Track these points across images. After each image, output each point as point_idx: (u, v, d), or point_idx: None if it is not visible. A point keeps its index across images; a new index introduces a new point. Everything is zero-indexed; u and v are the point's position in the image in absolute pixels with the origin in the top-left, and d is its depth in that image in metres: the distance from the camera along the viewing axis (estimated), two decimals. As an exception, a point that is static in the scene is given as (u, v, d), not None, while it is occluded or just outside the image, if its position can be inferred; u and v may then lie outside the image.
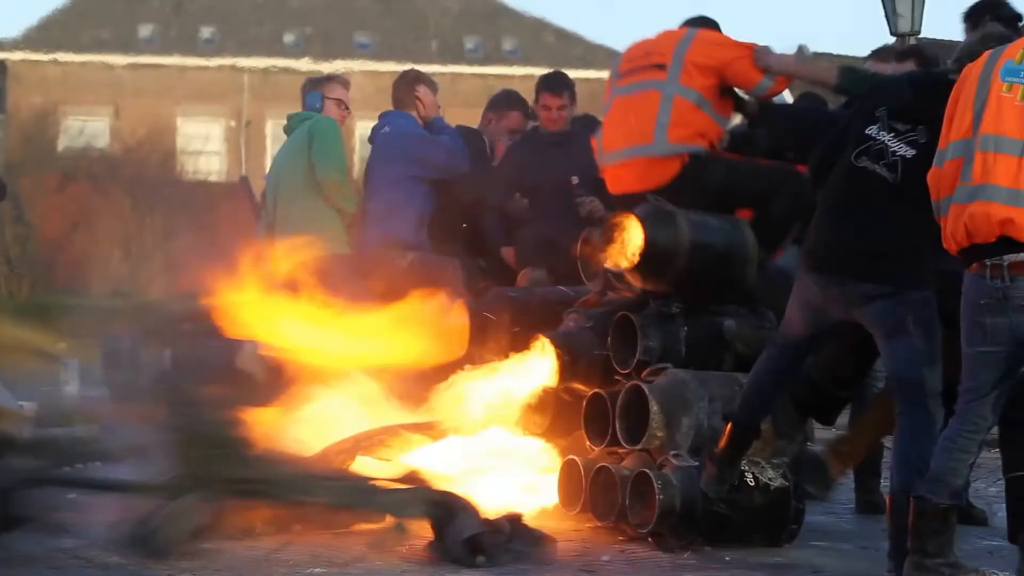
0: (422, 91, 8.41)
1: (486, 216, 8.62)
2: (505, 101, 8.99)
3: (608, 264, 6.61)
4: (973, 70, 5.27)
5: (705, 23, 7.14)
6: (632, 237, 6.51)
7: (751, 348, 6.49)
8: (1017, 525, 5.50)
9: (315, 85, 8.59)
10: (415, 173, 8.24)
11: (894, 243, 5.57)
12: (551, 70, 9.13)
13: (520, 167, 8.59)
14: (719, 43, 6.92)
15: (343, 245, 8.24)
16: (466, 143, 8.57)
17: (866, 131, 5.70)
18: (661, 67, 6.79)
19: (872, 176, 5.65)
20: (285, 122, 8.73)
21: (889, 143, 5.63)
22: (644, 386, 6.39)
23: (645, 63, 6.86)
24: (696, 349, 6.61)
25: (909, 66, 7.41)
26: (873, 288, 5.58)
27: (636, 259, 6.49)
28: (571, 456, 6.79)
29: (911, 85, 5.78)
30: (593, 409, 6.71)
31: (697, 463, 6.18)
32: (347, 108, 8.56)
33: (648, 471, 6.24)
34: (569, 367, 6.81)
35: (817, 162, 5.98)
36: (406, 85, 8.50)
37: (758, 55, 6.83)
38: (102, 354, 15.72)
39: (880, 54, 7.79)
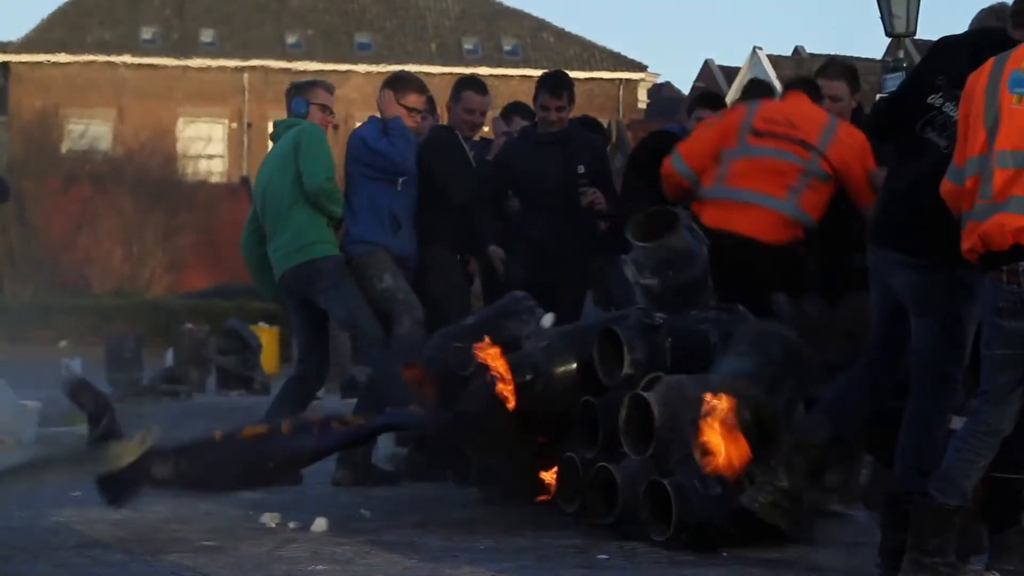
0: (383, 94, 8.39)
1: (477, 212, 8.57)
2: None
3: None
4: (979, 82, 5.21)
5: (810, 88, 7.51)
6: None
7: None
8: (995, 524, 5.54)
9: (299, 91, 8.51)
10: (365, 173, 8.28)
11: (937, 215, 5.45)
12: (549, 71, 9.14)
13: (515, 165, 8.60)
14: (852, 150, 7.19)
15: (334, 248, 8.24)
16: (441, 142, 8.51)
17: (928, 100, 5.62)
18: (806, 147, 7.04)
19: (930, 146, 5.60)
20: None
21: (951, 113, 5.54)
22: (646, 395, 6.38)
23: (789, 134, 7.10)
24: (682, 359, 6.62)
25: (841, 85, 7.60)
26: (906, 258, 5.57)
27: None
28: (569, 454, 6.83)
29: (968, 49, 5.59)
30: (583, 416, 6.76)
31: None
32: (332, 113, 8.52)
33: (664, 481, 6.17)
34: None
35: (883, 122, 5.94)
36: (379, 90, 8.53)
37: (872, 179, 7.05)
38: (105, 353, 15.82)
39: (828, 72, 7.83)
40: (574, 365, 6.74)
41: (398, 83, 8.32)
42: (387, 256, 8.16)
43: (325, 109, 8.43)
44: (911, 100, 5.72)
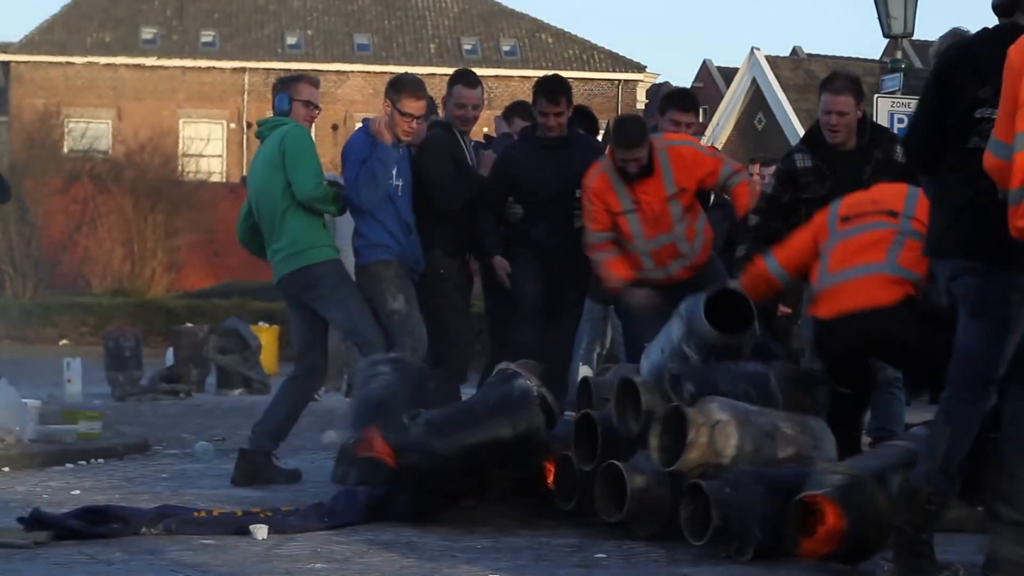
0: (384, 100, 8.34)
1: (479, 218, 8.55)
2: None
3: None
4: (1017, 57, 5.11)
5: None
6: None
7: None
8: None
9: (283, 87, 8.42)
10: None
11: (1002, 221, 5.29)
12: (547, 71, 9.15)
13: (516, 170, 8.59)
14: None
15: (331, 252, 8.21)
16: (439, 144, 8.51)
17: (975, 115, 5.51)
18: (893, 214, 7.01)
19: (980, 154, 5.47)
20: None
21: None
22: (682, 406, 6.35)
23: (873, 209, 7.08)
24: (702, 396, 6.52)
25: (848, 99, 7.64)
26: (970, 263, 5.49)
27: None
28: (566, 452, 6.86)
29: (1000, 48, 5.40)
30: (579, 432, 6.79)
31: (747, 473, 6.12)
32: (316, 108, 8.43)
33: (700, 483, 6.08)
34: None
35: (926, 145, 5.79)
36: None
37: None
38: (104, 352, 15.83)
39: (834, 87, 7.84)
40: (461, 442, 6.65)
41: (394, 87, 8.26)
42: (402, 269, 8.15)
43: (309, 105, 8.34)
44: (956, 118, 5.57)
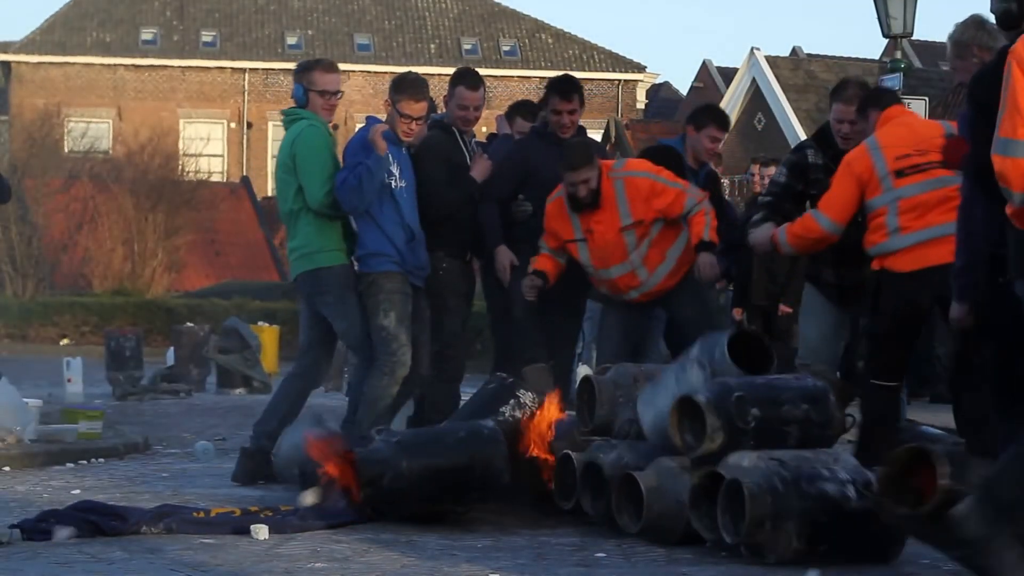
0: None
1: (484, 210, 8.53)
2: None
3: None
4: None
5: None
6: None
7: None
8: None
9: (298, 75, 8.27)
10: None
11: None
12: (547, 71, 9.14)
13: (528, 165, 8.58)
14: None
15: (341, 256, 8.16)
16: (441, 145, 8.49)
17: None
18: (942, 164, 7.02)
19: None
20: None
21: None
22: (696, 397, 6.27)
23: (924, 161, 7.14)
24: (765, 431, 6.30)
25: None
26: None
27: None
28: (566, 451, 6.87)
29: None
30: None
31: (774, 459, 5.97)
32: (334, 94, 8.20)
33: (740, 480, 5.91)
34: None
35: (983, 172, 5.76)
36: None
37: None
38: (105, 351, 15.85)
39: (845, 96, 7.86)
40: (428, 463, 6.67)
41: (395, 88, 8.18)
42: (405, 284, 8.05)
43: (324, 94, 8.15)
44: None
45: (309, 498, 6.80)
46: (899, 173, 7.18)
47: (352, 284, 8.15)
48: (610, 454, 6.59)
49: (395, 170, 8.04)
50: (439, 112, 9.05)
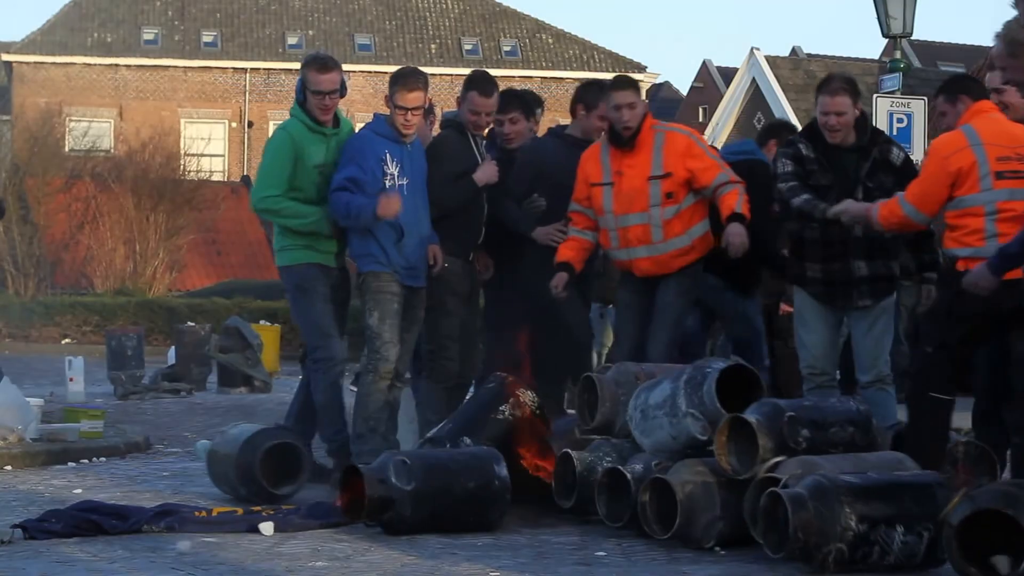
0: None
1: (505, 206, 8.43)
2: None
3: None
4: None
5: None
6: None
7: None
8: None
9: (301, 71, 8.14)
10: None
11: None
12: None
13: (544, 164, 8.55)
14: None
15: (298, 255, 8.05)
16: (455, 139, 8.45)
17: None
18: None
19: None
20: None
21: None
22: (747, 417, 6.27)
23: (1022, 168, 7.01)
24: (811, 450, 6.35)
25: (845, 100, 7.61)
26: None
27: None
28: (565, 450, 6.89)
29: None
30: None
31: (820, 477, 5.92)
32: (330, 94, 8.00)
33: (777, 491, 5.83)
34: None
35: None
36: None
37: None
38: (107, 351, 15.86)
39: (830, 88, 7.83)
40: None
41: (391, 81, 8.06)
42: (392, 283, 7.95)
43: (317, 94, 8.01)
44: None
45: (267, 529, 6.70)
46: (999, 175, 6.99)
47: (311, 284, 8.05)
48: (636, 464, 6.56)
49: (393, 169, 7.95)
50: (435, 114, 9.01)
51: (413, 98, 7.93)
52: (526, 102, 8.82)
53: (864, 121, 7.89)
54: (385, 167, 7.93)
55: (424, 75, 8.19)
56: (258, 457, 7.37)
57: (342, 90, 8.08)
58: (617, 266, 8.40)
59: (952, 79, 7.64)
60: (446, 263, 8.23)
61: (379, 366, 7.90)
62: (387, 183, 7.91)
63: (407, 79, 7.98)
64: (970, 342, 6.93)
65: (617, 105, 8.07)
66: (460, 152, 8.36)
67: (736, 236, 7.92)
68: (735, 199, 8.03)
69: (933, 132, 14.74)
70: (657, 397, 6.69)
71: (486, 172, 8.33)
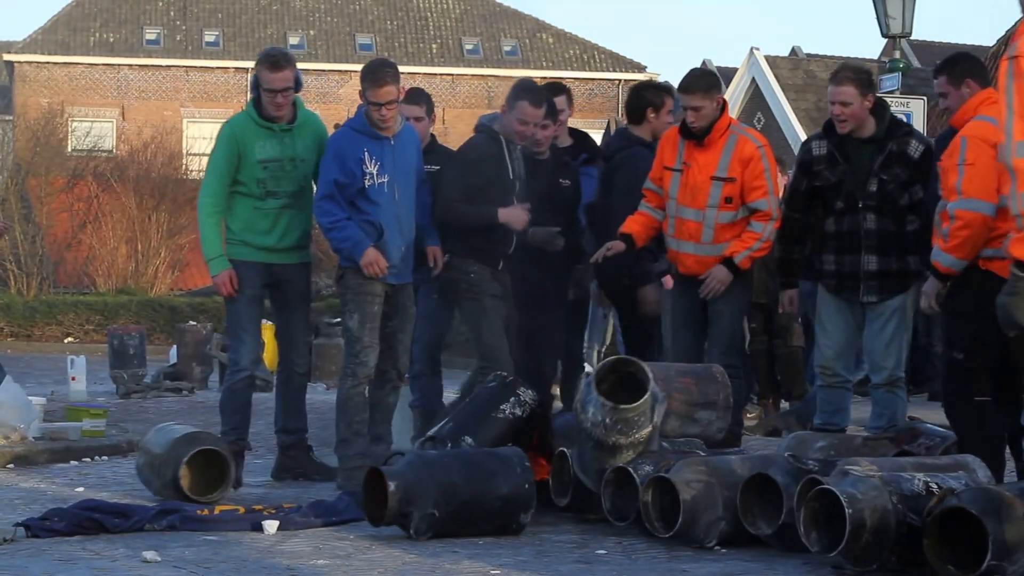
0: None
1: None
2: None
3: None
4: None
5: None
6: None
7: None
8: None
9: (256, 65, 8.05)
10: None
11: None
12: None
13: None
14: None
15: (225, 260, 8.00)
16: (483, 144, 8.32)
17: None
18: None
19: None
20: None
21: None
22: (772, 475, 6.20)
23: None
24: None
25: (849, 90, 7.54)
26: None
27: None
28: (561, 449, 6.91)
29: None
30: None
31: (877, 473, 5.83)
32: (279, 91, 7.83)
33: (832, 488, 5.71)
34: None
35: None
36: None
37: None
38: (109, 349, 15.87)
39: (836, 78, 7.77)
40: None
41: (361, 76, 7.84)
42: (371, 282, 7.79)
43: (269, 92, 7.89)
44: None
45: (271, 527, 6.69)
46: None
47: (239, 282, 7.95)
48: (645, 465, 6.55)
49: (372, 168, 7.77)
50: (433, 115, 8.87)
51: (384, 93, 7.71)
52: (552, 105, 8.47)
53: (882, 112, 7.78)
54: (364, 167, 7.76)
55: (394, 66, 7.92)
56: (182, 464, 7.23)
57: (296, 86, 7.94)
58: (668, 256, 8.37)
59: (954, 58, 7.41)
60: (472, 272, 8.04)
61: (358, 370, 7.83)
62: (366, 182, 7.76)
63: (375, 73, 7.75)
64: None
65: (683, 107, 8.05)
66: (487, 162, 8.07)
67: (712, 281, 8.03)
68: (744, 245, 8.05)
69: (933, 132, 14.75)
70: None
71: (513, 216, 8.00)
